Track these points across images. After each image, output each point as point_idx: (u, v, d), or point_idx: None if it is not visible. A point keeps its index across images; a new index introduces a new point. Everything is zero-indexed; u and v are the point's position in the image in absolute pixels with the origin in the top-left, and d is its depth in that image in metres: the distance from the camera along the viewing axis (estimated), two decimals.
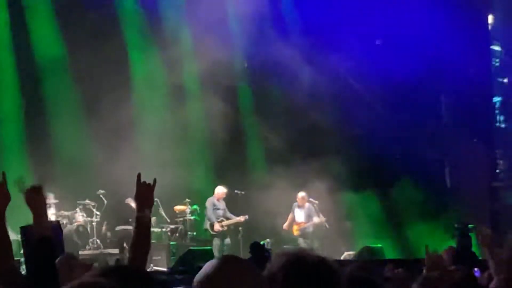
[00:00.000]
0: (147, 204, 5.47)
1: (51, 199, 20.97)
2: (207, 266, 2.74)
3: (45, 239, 4.97)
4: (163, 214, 21.88)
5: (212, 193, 21.56)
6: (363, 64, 23.66)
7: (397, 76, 22.80)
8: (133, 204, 19.65)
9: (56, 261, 5.46)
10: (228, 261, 2.80)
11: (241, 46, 24.12)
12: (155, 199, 5.61)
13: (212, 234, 21.03)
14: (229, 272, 2.68)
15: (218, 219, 21.06)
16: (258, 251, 15.39)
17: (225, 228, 21.13)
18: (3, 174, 5.29)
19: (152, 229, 19.69)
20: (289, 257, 3.02)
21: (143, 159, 21.19)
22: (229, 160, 23.67)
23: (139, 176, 5.54)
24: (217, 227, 20.95)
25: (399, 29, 23.44)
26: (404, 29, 23.40)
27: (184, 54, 23.84)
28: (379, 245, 20.14)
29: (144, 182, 5.50)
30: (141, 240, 5.44)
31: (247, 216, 21.28)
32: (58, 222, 18.20)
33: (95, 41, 22.29)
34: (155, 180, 5.54)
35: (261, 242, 17.51)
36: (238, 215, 21.36)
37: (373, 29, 24.13)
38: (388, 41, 24.03)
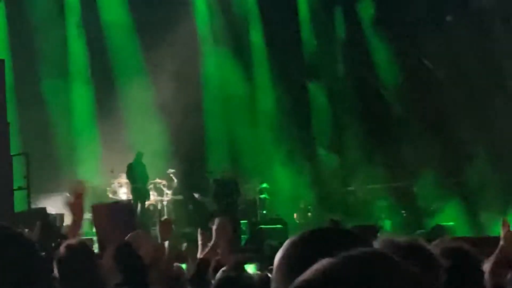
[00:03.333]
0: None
1: (123, 178, 21.22)
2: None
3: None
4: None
5: (280, 172, 21.57)
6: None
7: None
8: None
9: (128, 237, 5.49)
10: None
11: None
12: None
13: None
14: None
15: None
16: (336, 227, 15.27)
17: None
18: (82, 183, 5.33)
19: None
20: (382, 240, 2.99)
21: (209, 137, 21.28)
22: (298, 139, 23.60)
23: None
24: None
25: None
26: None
27: None
28: (451, 223, 19.92)
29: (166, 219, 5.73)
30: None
31: None
32: (130, 201, 18.48)
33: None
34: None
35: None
36: None
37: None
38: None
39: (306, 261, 1.37)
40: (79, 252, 4.94)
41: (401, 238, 3.05)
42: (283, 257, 1.83)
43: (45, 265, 2.33)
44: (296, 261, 1.75)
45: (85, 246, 5.18)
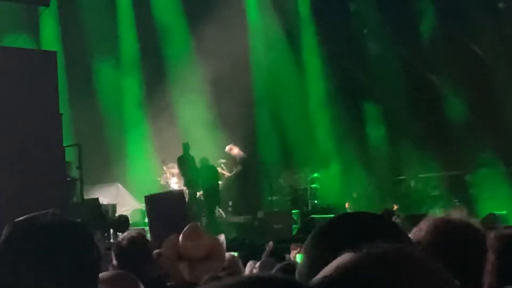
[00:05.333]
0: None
1: (174, 168, 21.29)
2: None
3: None
4: (283, 182, 21.92)
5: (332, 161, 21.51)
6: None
7: None
8: (235, 150, 19.84)
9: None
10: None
11: None
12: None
13: None
14: None
15: None
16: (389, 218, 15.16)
17: None
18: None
19: (273, 197, 19.99)
20: (436, 222, 3.01)
21: (260, 126, 21.25)
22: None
23: None
24: None
25: None
26: None
27: None
28: (504, 211, 19.70)
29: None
30: None
31: None
32: (182, 191, 18.54)
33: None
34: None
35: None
36: None
37: None
38: None
39: (332, 252, 1.34)
40: (140, 244, 5.05)
41: (455, 218, 3.08)
42: (311, 246, 1.80)
43: (100, 254, 2.31)
44: (322, 251, 1.72)
45: (144, 238, 5.32)
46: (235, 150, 21.20)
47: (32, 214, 2.28)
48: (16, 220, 2.28)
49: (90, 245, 2.30)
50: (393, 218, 13.89)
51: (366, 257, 1.26)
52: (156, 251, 7.51)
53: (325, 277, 1.24)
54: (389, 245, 1.30)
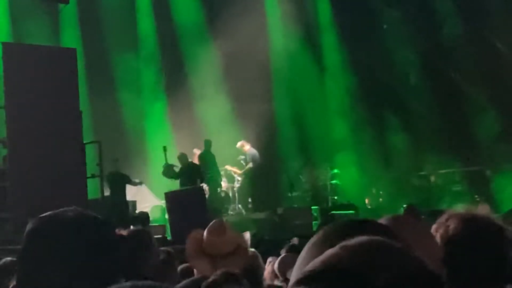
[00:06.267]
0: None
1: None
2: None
3: None
4: (302, 178, 21.91)
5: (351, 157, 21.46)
6: None
7: None
8: (246, 147, 19.78)
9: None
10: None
11: None
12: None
13: None
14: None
15: None
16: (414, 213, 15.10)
17: None
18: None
19: (293, 193, 19.99)
20: (462, 218, 3.02)
21: (279, 123, 21.19)
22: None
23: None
24: None
25: None
26: None
27: None
28: None
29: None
30: None
31: None
32: (202, 188, 18.56)
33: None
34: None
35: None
36: None
37: None
38: None
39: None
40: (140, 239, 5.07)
41: (480, 214, 3.10)
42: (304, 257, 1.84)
43: (119, 248, 2.32)
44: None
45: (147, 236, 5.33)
46: (247, 147, 21.22)
47: (55, 211, 2.30)
48: (39, 216, 2.29)
49: (113, 240, 2.31)
50: (417, 214, 13.89)
51: (344, 249, 1.33)
52: (174, 247, 7.53)
53: (308, 271, 1.31)
54: (365, 237, 1.37)
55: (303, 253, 1.59)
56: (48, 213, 2.30)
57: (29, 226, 2.27)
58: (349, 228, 1.63)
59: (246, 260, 5.36)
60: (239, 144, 21.27)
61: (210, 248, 5.26)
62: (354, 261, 1.30)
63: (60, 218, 2.26)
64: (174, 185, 20.02)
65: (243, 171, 21.27)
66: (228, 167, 21.52)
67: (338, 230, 1.62)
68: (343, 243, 1.36)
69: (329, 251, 1.35)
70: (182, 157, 19.65)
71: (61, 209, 2.30)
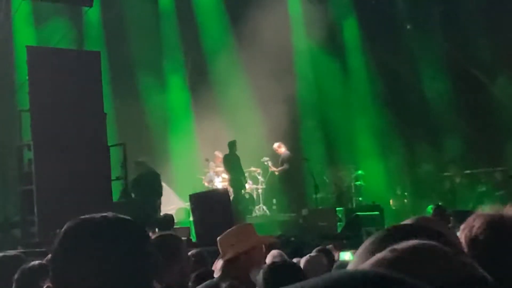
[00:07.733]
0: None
1: (219, 167, 21.29)
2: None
3: None
4: (327, 179, 21.88)
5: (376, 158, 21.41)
6: None
7: None
8: (282, 149, 19.68)
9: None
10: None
11: None
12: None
13: None
14: None
15: None
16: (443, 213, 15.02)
17: None
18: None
19: (317, 195, 19.94)
20: (488, 218, 2.94)
21: (304, 124, 21.10)
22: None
23: None
24: None
25: None
26: None
27: None
28: None
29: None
30: None
31: None
32: (226, 190, 18.55)
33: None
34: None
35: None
36: None
37: None
38: None
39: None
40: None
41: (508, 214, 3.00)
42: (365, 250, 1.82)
43: (152, 251, 2.32)
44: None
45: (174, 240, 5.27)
46: (283, 149, 21.20)
47: (88, 215, 2.29)
48: (73, 219, 2.28)
49: (146, 243, 2.29)
50: (446, 215, 13.80)
51: (392, 252, 1.34)
52: (196, 250, 7.51)
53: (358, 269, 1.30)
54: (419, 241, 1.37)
55: (354, 257, 1.57)
56: (82, 216, 2.29)
57: (63, 229, 2.26)
58: (400, 232, 1.61)
59: (262, 263, 5.33)
60: (275, 145, 21.25)
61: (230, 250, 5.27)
62: (401, 264, 1.28)
63: (94, 220, 2.26)
64: (198, 186, 20.02)
65: (278, 171, 21.24)
66: (269, 165, 21.50)
67: (390, 234, 1.60)
68: (393, 246, 1.35)
69: (378, 255, 1.35)
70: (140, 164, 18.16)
71: (100, 214, 2.29)
